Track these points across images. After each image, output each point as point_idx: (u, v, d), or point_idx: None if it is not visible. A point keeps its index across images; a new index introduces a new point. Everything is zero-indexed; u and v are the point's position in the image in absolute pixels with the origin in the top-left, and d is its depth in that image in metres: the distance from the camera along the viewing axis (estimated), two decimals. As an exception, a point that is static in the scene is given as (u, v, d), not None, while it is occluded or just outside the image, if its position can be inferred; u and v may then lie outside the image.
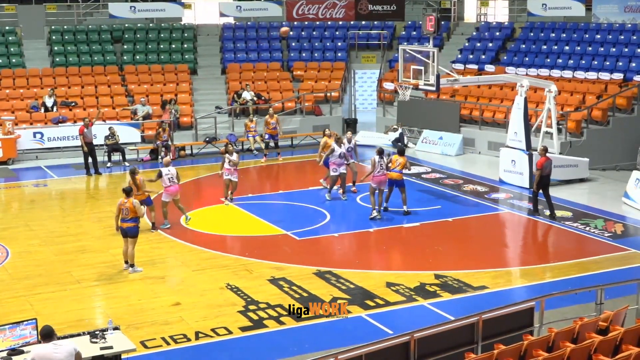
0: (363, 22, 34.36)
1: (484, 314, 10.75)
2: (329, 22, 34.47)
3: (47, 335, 9.31)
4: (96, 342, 10.35)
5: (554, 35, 30.06)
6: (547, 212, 19.29)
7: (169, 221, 18.58)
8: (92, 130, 24.48)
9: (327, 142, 21.38)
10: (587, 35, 29.14)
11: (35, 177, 24.13)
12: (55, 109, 27.73)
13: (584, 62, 27.90)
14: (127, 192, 15.65)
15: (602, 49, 28.07)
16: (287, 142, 28.03)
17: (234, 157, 20.31)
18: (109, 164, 25.22)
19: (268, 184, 23.76)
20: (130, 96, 29.46)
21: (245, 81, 30.72)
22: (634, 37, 27.72)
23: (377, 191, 19.04)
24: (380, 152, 19.12)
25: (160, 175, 18.36)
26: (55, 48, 31.04)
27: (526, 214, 19.68)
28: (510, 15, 34.50)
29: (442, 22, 31.64)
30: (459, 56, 31.17)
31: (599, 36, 28.77)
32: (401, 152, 19.56)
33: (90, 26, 32.43)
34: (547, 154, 19.28)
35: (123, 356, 10.46)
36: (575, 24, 29.99)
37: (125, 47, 31.92)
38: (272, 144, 26.53)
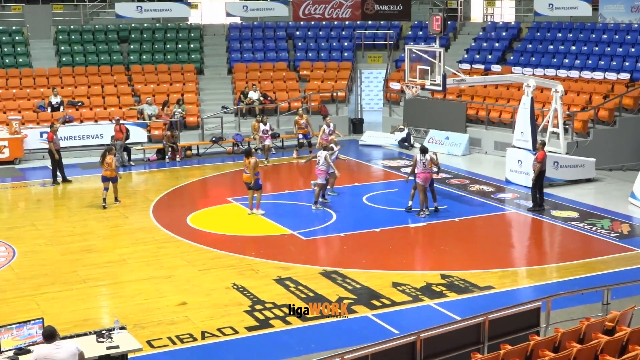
0: (369, 22, 34.35)
1: (490, 314, 10.74)
2: (336, 22, 34.47)
3: (49, 336, 9.32)
4: (102, 342, 10.35)
5: (560, 35, 29.99)
6: (531, 205, 19.90)
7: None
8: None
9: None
10: (593, 35, 29.07)
11: (42, 177, 24.13)
12: (61, 108, 27.77)
13: (590, 62, 27.83)
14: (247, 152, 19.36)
15: (608, 49, 28.00)
16: (293, 142, 28.01)
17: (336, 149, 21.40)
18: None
19: (274, 184, 23.71)
20: (137, 96, 29.49)
21: (252, 81, 30.72)
22: (641, 37, 27.69)
23: (425, 188, 19.18)
24: (424, 151, 19.19)
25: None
26: (62, 48, 31.10)
27: (532, 214, 19.64)
28: (516, 15, 34.44)
29: (449, 22, 31.47)
30: (466, 56, 31.13)
31: (605, 36, 28.70)
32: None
33: (96, 26, 32.48)
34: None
35: (129, 356, 10.45)
36: (581, 24, 29.92)
37: (131, 46, 31.96)
38: (304, 142, 26.94)
